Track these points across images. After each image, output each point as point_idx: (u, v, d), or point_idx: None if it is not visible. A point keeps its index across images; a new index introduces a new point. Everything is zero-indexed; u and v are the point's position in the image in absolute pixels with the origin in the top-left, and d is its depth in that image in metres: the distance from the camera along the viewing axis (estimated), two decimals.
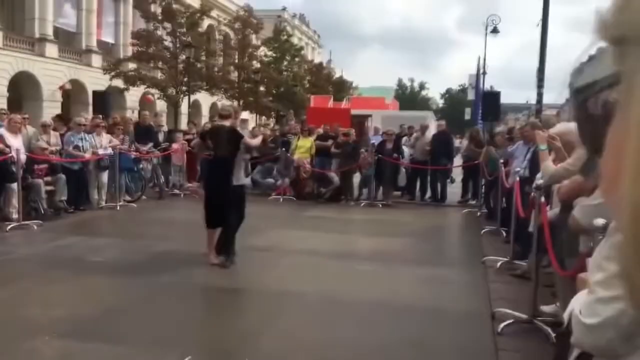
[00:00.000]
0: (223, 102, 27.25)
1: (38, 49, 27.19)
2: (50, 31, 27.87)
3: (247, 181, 6.12)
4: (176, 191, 11.89)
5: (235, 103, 27.32)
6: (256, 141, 6.32)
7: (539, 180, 4.34)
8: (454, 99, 70.10)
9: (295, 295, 4.98)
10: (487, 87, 20.28)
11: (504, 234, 7.62)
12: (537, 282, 4.30)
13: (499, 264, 6.08)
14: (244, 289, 5.38)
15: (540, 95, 12.39)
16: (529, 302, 4.25)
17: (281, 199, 11.34)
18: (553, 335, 3.86)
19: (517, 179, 6.05)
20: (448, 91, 76.40)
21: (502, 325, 4.10)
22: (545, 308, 4.43)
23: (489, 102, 12.80)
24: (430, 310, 4.64)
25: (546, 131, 4.57)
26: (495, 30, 21.53)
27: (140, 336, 3.86)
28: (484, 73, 18.41)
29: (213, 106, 38.25)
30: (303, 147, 12.07)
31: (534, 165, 6.37)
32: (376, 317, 4.49)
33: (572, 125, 4.36)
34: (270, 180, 12.22)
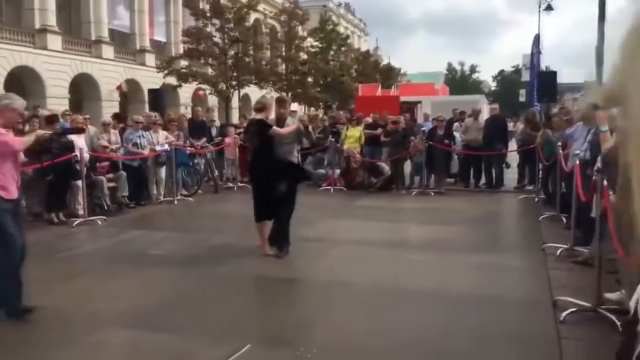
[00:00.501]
0: (264, 94, 27.52)
1: (95, 51, 28.34)
2: (105, 33, 28.97)
3: (296, 159, 6.07)
4: (230, 184, 12.15)
5: (284, 95, 27.53)
6: (286, 130, 6.17)
7: (600, 163, 4.15)
8: (507, 81, 67.90)
9: (348, 285, 5.00)
10: (542, 67, 19.52)
11: (564, 219, 7.35)
12: (601, 269, 4.13)
13: (559, 250, 5.88)
14: (297, 279, 5.45)
15: (600, 74, 11.82)
16: (592, 289, 4.10)
17: (332, 190, 11.38)
18: (619, 323, 3.71)
19: (577, 162, 5.81)
20: (500, 73, 74.07)
21: (564, 313, 3.97)
22: (610, 295, 4.26)
23: (545, 82, 12.32)
24: (488, 299, 4.54)
25: (607, 111, 4.37)
26: (549, 8, 20.66)
27: (200, 326, 3.99)
28: (539, 52, 17.71)
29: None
30: (352, 137, 12.04)
31: (595, 147, 6.10)
32: (431, 306, 4.44)
33: None
34: (322, 170, 12.27)
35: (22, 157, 6.75)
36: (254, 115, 6.39)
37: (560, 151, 7.47)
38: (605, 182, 3.96)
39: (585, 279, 4.78)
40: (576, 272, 5.23)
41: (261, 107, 6.15)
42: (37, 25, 25.10)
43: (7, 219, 4.17)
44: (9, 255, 4.16)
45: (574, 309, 4.03)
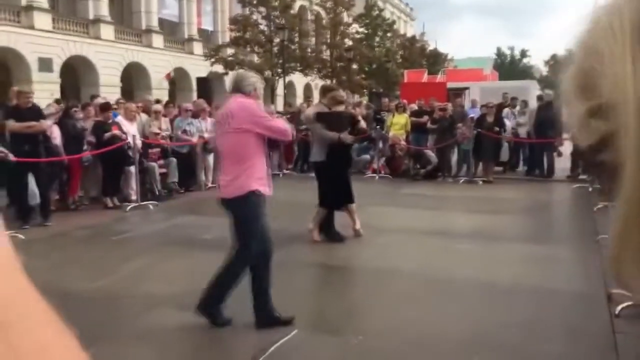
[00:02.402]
0: (316, 82, 27.48)
1: (145, 40, 29.07)
2: (155, 22, 29.65)
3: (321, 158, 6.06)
4: (275, 172, 12.27)
5: (329, 82, 27.47)
6: (308, 112, 6.35)
7: None
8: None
9: (396, 273, 4.99)
10: None
11: None
12: None
13: None
14: (345, 266, 5.48)
15: None
16: None
17: (377, 177, 11.32)
18: None
19: None
20: (553, 57, 71.29)
21: (620, 307, 3.84)
22: None
23: None
24: (540, 290, 4.44)
25: None
26: None
27: (248, 311, 4.08)
28: None
29: (307, 87, 38.76)
30: (398, 124, 11.92)
31: None
32: (480, 296, 4.38)
33: None
34: (366, 156, 12.21)
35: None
36: (321, 106, 6.27)
37: None
38: None
39: None
40: None
41: (341, 101, 6.24)
42: (91, 16, 25.94)
43: (265, 220, 3.66)
44: (245, 261, 3.67)
45: (629, 303, 3.89)
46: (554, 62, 70.27)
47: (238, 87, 3.63)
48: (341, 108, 6.16)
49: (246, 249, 3.62)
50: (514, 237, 6.40)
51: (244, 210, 3.57)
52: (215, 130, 3.71)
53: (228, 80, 30.62)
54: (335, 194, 6.01)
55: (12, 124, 6.69)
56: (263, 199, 3.62)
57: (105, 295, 4.43)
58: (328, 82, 28.23)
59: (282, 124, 3.75)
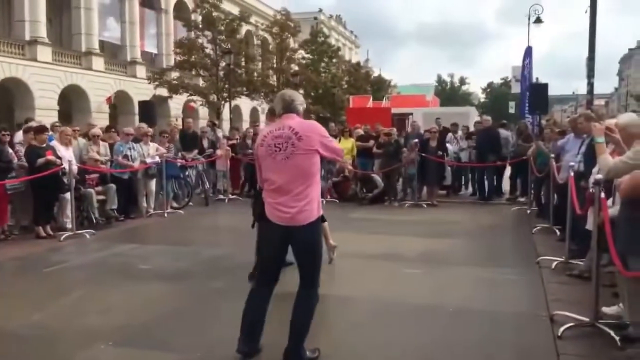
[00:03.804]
0: (263, 106, 27.41)
1: (85, 63, 28.24)
2: (96, 45, 28.90)
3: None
4: (221, 197, 12.05)
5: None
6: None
7: (597, 175, 4.12)
8: (496, 93, 68.43)
9: (345, 298, 4.92)
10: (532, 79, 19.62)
11: (557, 231, 7.34)
12: (598, 282, 4.09)
13: (554, 263, 5.85)
14: (292, 292, 5.34)
15: (591, 86, 11.92)
16: (590, 303, 4.05)
17: (324, 202, 11.29)
18: (617, 338, 3.66)
19: (572, 173, 5.80)
20: (490, 85, 74.66)
21: (562, 328, 3.91)
22: (607, 310, 4.22)
23: (537, 94, 12.36)
24: (485, 313, 4.49)
25: (602, 122, 4.36)
26: (538, 20, 20.83)
27: (192, 343, 3.89)
28: (530, 64, 17.85)
29: (253, 110, 38.68)
30: (344, 148, 11.99)
31: (588, 159, 6.09)
32: (428, 320, 4.38)
33: (636, 117, 4.13)
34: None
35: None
36: (246, 127, 6.25)
37: (553, 163, 7.48)
38: (602, 195, 3.93)
39: (581, 292, 4.75)
40: (572, 285, 5.19)
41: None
42: (28, 37, 24.97)
43: None
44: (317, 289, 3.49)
45: (572, 324, 3.98)
46: (490, 90, 73.53)
47: (290, 107, 3.40)
48: None
49: (318, 274, 3.47)
50: (459, 260, 6.49)
51: (316, 236, 3.38)
52: (262, 153, 3.35)
53: (173, 103, 30.21)
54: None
55: None
56: None
57: (38, 332, 4.12)
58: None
59: (338, 144, 3.53)
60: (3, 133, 7.74)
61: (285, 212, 3.26)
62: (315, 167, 3.31)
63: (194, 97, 28.60)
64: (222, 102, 27.46)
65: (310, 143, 3.24)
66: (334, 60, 39.16)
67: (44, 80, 25.24)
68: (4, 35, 25.35)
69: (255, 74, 30.26)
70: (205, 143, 12.42)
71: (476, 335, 4.03)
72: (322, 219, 5.82)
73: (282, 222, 3.28)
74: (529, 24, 20.95)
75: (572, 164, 6.13)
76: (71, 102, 27.52)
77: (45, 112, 23.64)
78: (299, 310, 3.40)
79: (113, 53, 31.28)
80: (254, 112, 39.01)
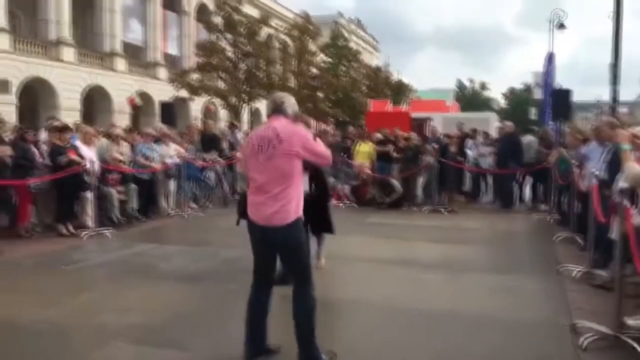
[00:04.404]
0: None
1: (108, 64, 28.65)
2: (119, 46, 29.31)
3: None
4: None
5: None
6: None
7: (622, 183, 4.04)
8: (517, 99, 67.60)
9: (362, 303, 4.90)
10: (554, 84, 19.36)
11: (580, 240, 7.21)
12: (621, 292, 4.00)
13: (576, 273, 5.75)
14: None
15: (615, 92, 11.72)
16: (612, 314, 3.96)
17: (342, 206, 11.29)
18: None
19: (595, 181, 5.69)
20: (511, 91, 73.80)
21: (584, 339, 3.84)
22: (631, 321, 4.12)
23: (560, 100, 12.16)
24: (504, 322, 4.42)
25: (628, 129, 4.28)
26: (561, 26, 20.53)
27: (208, 343, 3.91)
28: (553, 70, 17.62)
29: None
30: (363, 152, 11.98)
31: (612, 166, 5.98)
32: (445, 327, 4.32)
33: None
34: (331, 178, 12.14)
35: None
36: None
37: (576, 170, 7.36)
38: (627, 203, 3.85)
39: (603, 302, 4.65)
40: (594, 295, 5.10)
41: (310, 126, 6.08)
42: (52, 38, 25.43)
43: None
44: (311, 288, 3.44)
45: (594, 335, 3.90)
46: (511, 95, 72.68)
47: (279, 109, 3.44)
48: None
49: (307, 273, 3.46)
50: (478, 267, 6.41)
51: (294, 237, 3.36)
52: (247, 152, 3.42)
53: (193, 105, 30.49)
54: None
55: None
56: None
57: (55, 328, 4.18)
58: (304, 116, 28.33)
59: (325, 148, 3.57)
60: (28, 132, 7.89)
61: (261, 212, 3.31)
62: (296, 169, 3.32)
63: (214, 99, 28.82)
64: (242, 105, 27.60)
65: (291, 146, 3.26)
66: (354, 64, 39.13)
67: (67, 80, 25.67)
68: (30, 35, 25.86)
69: (275, 76, 30.38)
70: (225, 144, 12.50)
71: (495, 344, 3.97)
72: (330, 230, 5.73)
73: (259, 221, 3.34)
74: (551, 29, 20.68)
75: (595, 171, 6.02)
76: (94, 102, 27.94)
77: (69, 112, 24.03)
78: (295, 311, 3.42)
79: (135, 54, 31.69)
80: None
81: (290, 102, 3.50)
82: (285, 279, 3.70)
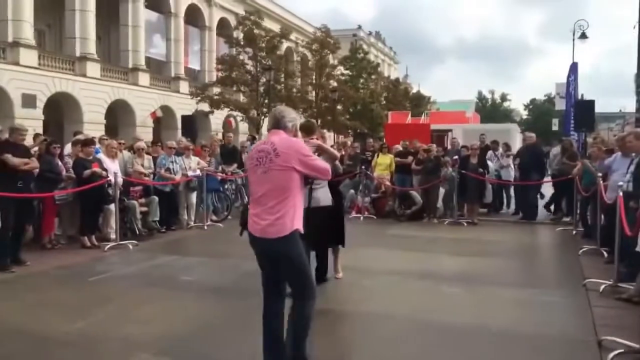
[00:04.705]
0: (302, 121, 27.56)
1: (131, 78, 29.19)
2: (142, 61, 29.86)
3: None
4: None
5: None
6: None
7: None
8: (539, 110, 66.92)
9: (384, 317, 4.86)
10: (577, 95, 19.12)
11: (605, 253, 7.07)
12: None
13: (602, 287, 5.62)
14: (331, 310, 5.31)
15: (639, 103, 11.51)
16: None
17: (361, 218, 11.25)
18: None
19: (620, 193, 5.60)
20: (532, 102, 73.10)
21: (611, 355, 3.75)
22: None
23: (583, 111, 12.01)
24: (529, 336, 4.34)
25: None
26: (583, 36, 20.33)
27: (233, 354, 3.92)
28: (575, 80, 17.40)
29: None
30: (383, 164, 11.97)
31: (638, 178, 5.88)
32: (469, 341, 4.26)
33: None
34: (351, 190, 12.16)
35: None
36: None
37: (600, 182, 7.24)
38: None
39: (631, 317, 4.56)
40: (621, 309, 4.98)
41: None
42: (78, 53, 26.02)
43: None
44: (313, 297, 3.43)
45: (621, 350, 3.81)
46: (533, 106, 71.99)
47: (279, 124, 3.48)
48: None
49: (308, 286, 3.43)
50: (501, 280, 6.31)
51: (290, 250, 3.35)
52: (249, 165, 3.49)
53: (213, 118, 30.85)
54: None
55: (11, 159, 6.54)
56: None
57: (82, 339, 4.23)
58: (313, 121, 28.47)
59: (324, 163, 3.58)
60: (54, 146, 8.06)
61: (257, 224, 3.36)
62: (293, 183, 3.33)
63: (234, 113, 29.10)
64: (262, 118, 27.85)
65: (287, 160, 3.30)
66: (373, 77, 39.21)
67: (92, 95, 26.19)
68: (56, 51, 26.50)
69: (295, 89, 30.59)
70: (245, 157, 12.59)
71: (519, 359, 3.90)
72: (341, 243, 5.73)
73: (255, 233, 3.39)
74: (573, 39, 20.47)
75: (620, 183, 5.91)
76: (117, 116, 28.43)
77: (93, 125, 24.50)
78: (294, 319, 3.39)
79: (158, 69, 32.25)
80: None
81: (291, 117, 3.55)
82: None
